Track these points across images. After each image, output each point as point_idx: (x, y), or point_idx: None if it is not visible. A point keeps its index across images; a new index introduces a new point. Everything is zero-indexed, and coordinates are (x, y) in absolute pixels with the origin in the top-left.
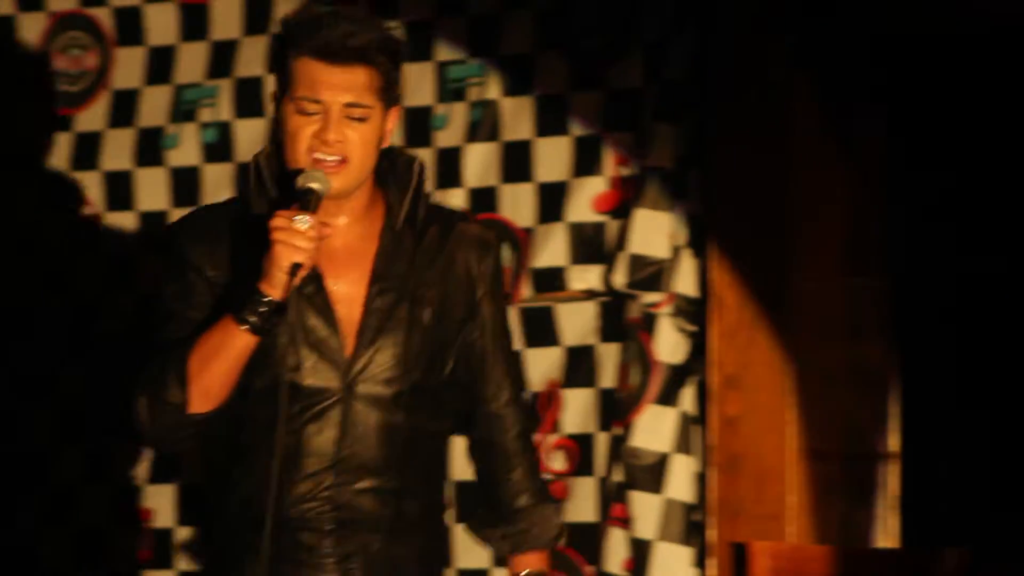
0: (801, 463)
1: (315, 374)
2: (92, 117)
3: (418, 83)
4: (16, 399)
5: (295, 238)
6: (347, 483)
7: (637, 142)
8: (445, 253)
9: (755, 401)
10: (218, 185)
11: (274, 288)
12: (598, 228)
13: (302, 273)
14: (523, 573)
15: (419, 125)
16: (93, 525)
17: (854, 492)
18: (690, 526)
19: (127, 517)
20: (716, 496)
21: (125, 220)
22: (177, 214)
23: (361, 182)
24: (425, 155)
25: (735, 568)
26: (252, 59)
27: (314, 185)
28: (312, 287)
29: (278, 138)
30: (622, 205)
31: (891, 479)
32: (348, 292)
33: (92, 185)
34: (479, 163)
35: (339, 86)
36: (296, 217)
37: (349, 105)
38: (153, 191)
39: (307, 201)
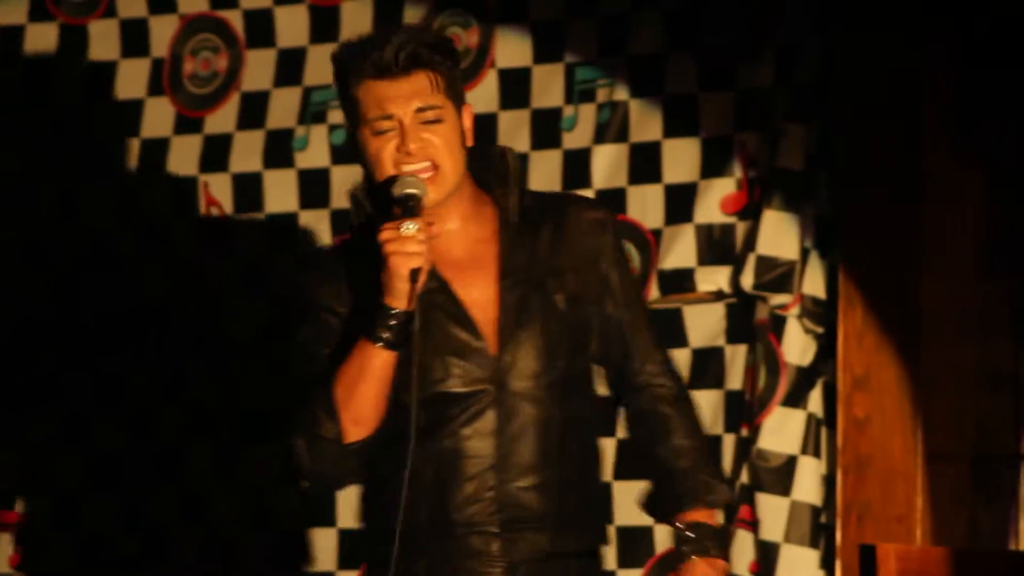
0: (929, 465)
1: (464, 379)
2: (222, 119)
3: (547, 84)
4: (148, 398)
5: (406, 245)
6: (509, 481)
7: (766, 143)
8: (565, 237)
9: (883, 403)
10: (347, 187)
11: (398, 300)
12: (726, 229)
13: (422, 277)
14: (687, 524)
15: (548, 127)
16: (221, 524)
17: (982, 494)
18: (817, 528)
19: (254, 518)
20: (843, 498)
21: (254, 222)
22: (305, 216)
23: (457, 184)
24: (553, 157)
25: (862, 570)
26: None
27: (411, 190)
28: (443, 296)
29: (366, 170)
30: (750, 206)
31: (1021, 481)
32: (480, 295)
33: (221, 187)
34: (607, 164)
35: (404, 96)
36: (402, 225)
37: (420, 110)
38: (282, 193)
39: (409, 207)
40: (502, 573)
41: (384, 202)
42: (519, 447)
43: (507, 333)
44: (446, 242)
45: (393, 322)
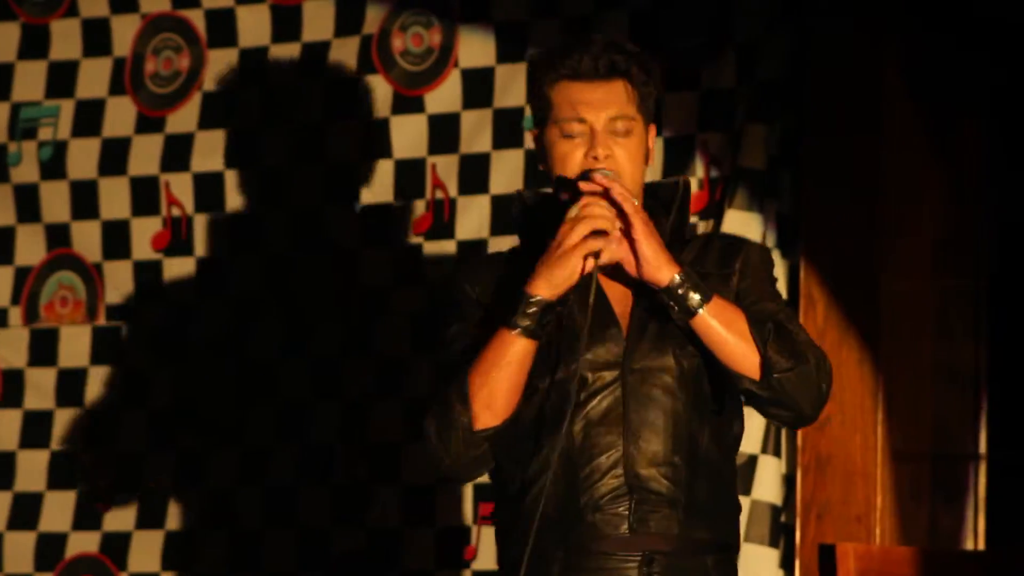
0: (889, 464)
1: (596, 364)
2: (184, 119)
3: (510, 84)
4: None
5: (594, 208)
6: (638, 465)
7: (729, 143)
8: (705, 254)
9: (843, 402)
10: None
11: (545, 287)
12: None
13: (599, 262)
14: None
15: (510, 126)
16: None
17: (942, 493)
18: (777, 528)
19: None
20: (803, 497)
21: (214, 220)
22: (267, 216)
23: (635, 198)
24: (516, 156)
25: (822, 570)
26: (343, 60)
27: (601, 168)
28: (589, 282)
29: (545, 169)
30: (712, 205)
31: (979, 480)
32: (619, 292)
33: (182, 187)
34: None
35: (600, 102)
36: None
37: (613, 119)
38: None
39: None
40: (638, 566)
41: (560, 202)
42: (648, 432)
43: (640, 325)
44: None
45: (532, 309)
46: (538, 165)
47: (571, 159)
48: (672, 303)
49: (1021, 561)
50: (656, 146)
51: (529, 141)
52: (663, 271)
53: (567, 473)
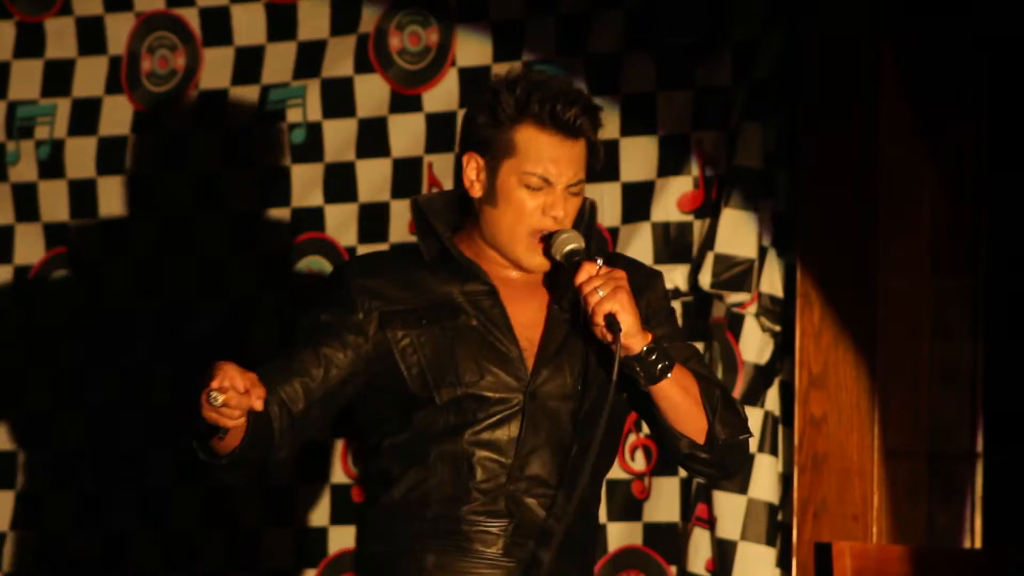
0: (886, 463)
1: (496, 385)
2: (180, 117)
3: None
4: (111, 399)
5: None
6: (521, 491)
7: (724, 141)
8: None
9: (840, 401)
10: (307, 186)
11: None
12: (683, 228)
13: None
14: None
15: None
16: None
17: (939, 492)
18: (774, 526)
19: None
20: (800, 496)
21: (213, 221)
22: (264, 215)
23: None
24: None
25: (818, 568)
26: (339, 59)
27: (573, 246)
28: (490, 302)
29: (477, 195)
30: (708, 204)
31: (976, 479)
32: (528, 319)
33: (180, 185)
34: None
35: (569, 163)
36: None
37: (572, 183)
38: (241, 192)
39: (574, 263)
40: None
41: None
42: (536, 460)
43: (546, 356)
44: (509, 272)
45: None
46: (464, 187)
47: (527, 208)
48: (640, 370)
49: (1017, 560)
50: (651, 144)
51: None
52: (636, 339)
53: (453, 482)
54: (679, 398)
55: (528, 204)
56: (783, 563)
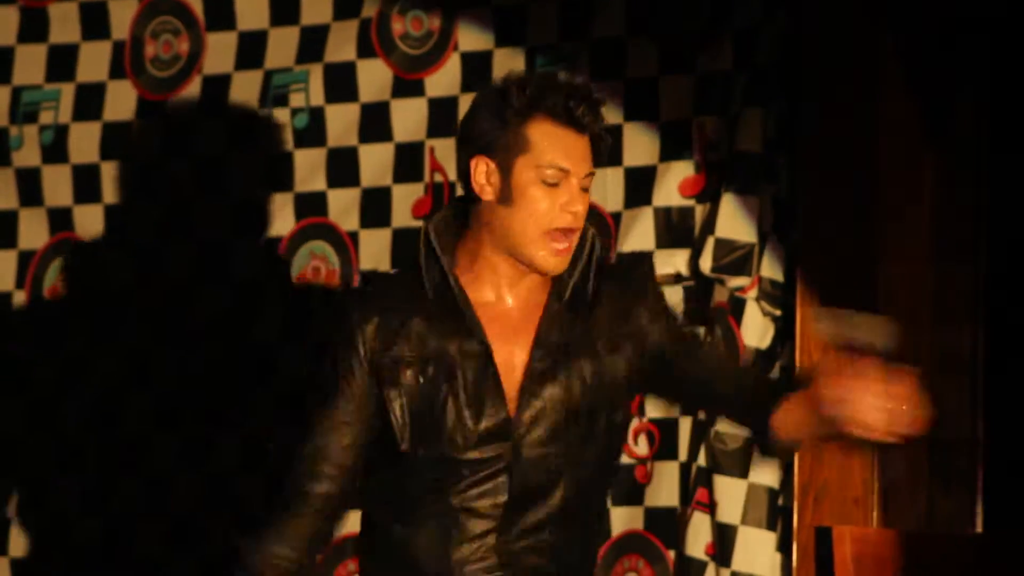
0: (887, 448)
1: (481, 443)
2: (184, 102)
3: (509, 68)
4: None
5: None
6: (511, 542)
7: (726, 126)
8: (615, 309)
9: None
10: (311, 171)
11: None
12: (685, 212)
13: None
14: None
15: None
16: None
17: (939, 477)
18: (774, 510)
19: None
20: (800, 480)
21: (216, 205)
22: (267, 200)
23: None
24: None
25: (819, 553)
26: (342, 44)
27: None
28: (483, 360)
29: (486, 196)
30: (709, 189)
31: (977, 465)
32: (511, 358)
33: (183, 170)
34: None
35: (583, 155)
36: None
37: (587, 176)
38: (244, 177)
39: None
40: None
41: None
42: (525, 512)
43: (526, 400)
44: (503, 306)
45: None
46: (469, 188)
47: (544, 205)
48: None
49: (1018, 545)
50: (652, 131)
51: None
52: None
53: (442, 544)
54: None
55: (543, 203)
56: (783, 547)
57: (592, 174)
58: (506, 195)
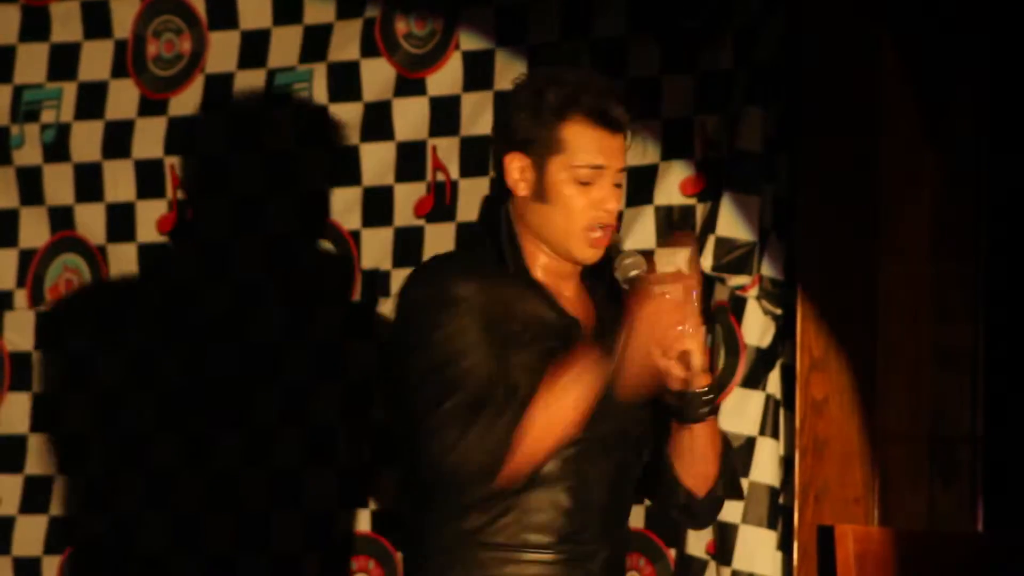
0: (887, 446)
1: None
2: (187, 101)
3: (510, 67)
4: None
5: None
6: (572, 522)
7: (726, 125)
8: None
9: (841, 384)
10: (313, 167)
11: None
12: (686, 211)
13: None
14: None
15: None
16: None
17: (940, 475)
18: (775, 509)
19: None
20: (801, 479)
21: (218, 205)
22: (270, 198)
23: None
24: None
25: (820, 551)
26: (346, 43)
27: (635, 272)
28: (577, 329)
29: (521, 195)
30: (710, 188)
31: (977, 462)
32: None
33: (186, 169)
34: None
35: (617, 152)
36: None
37: (620, 172)
38: (248, 176)
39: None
40: None
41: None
42: (591, 489)
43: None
44: (584, 297)
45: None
46: (503, 182)
47: (578, 203)
48: (684, 406)
49: (1019, 543)
50: (654, 128)
51: None
52: (700, 379)
53: (513, 510)
54: (701, 444)
55: (579, 201)
56: (784, 546)
57: (624, 170)
58: (540, 193)
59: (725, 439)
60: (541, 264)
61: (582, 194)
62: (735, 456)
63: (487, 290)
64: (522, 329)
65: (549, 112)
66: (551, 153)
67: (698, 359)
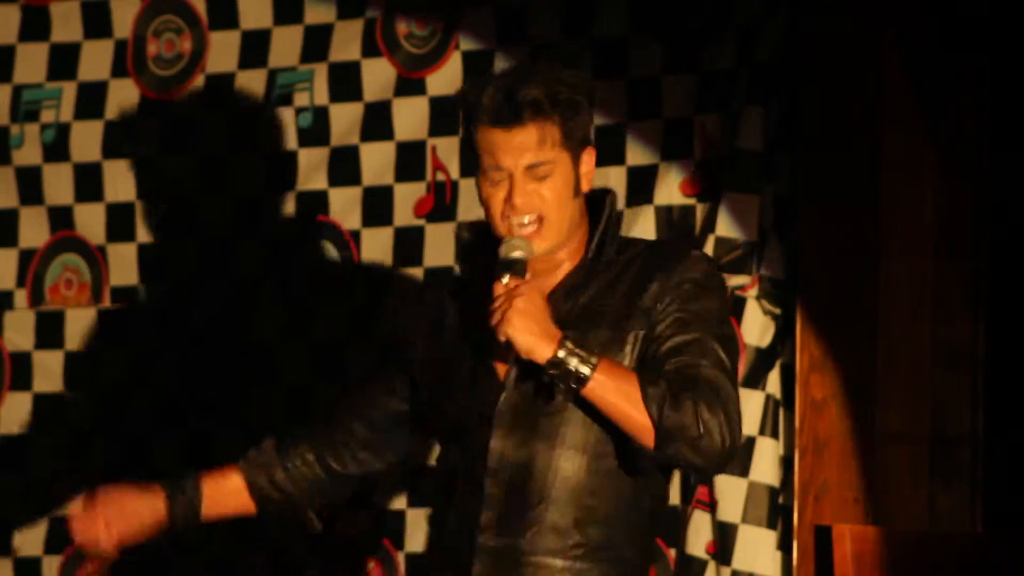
0: (887, 446)
1: (477, 405)
2: (187, 101)
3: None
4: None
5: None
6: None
7: (726, 124)
8: (627, 274)
9: (841, 384)
10: (314, 170)
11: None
12: (686, 211)
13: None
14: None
15: None
16: None
17: (940, 475)
18: (775, 509)
19: None
20: (801, 479)
21: (219, 204)
22: (271, 198)
23: (565, 233)
24: None
25: (819, 551)
26: (346, 43)
27: (516, 254)
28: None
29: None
30: (710, 188)
31: (977, 462)
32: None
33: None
34: None
35: (516, 149)
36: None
37: (530, 166)
38: (247, 175)
39: (516, 270)
40: None
41: (491, 256)
42: (507, 475)
43: (520, 369)
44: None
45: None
46: None
47: (493, 203)
48: (555, 379)
49: (1019, 543)
50: (655, 128)
51: None
52: (538, 349)
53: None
54: (614, 403)
55: (493, 198)
56: (784, 546)
57: (539, 163)
58: (480, 199)
59: (642, 382)
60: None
61: (494, 192)
62: (667, 393)
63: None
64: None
65: (466, 128)
66: (477, 157)
67: (519, 340)
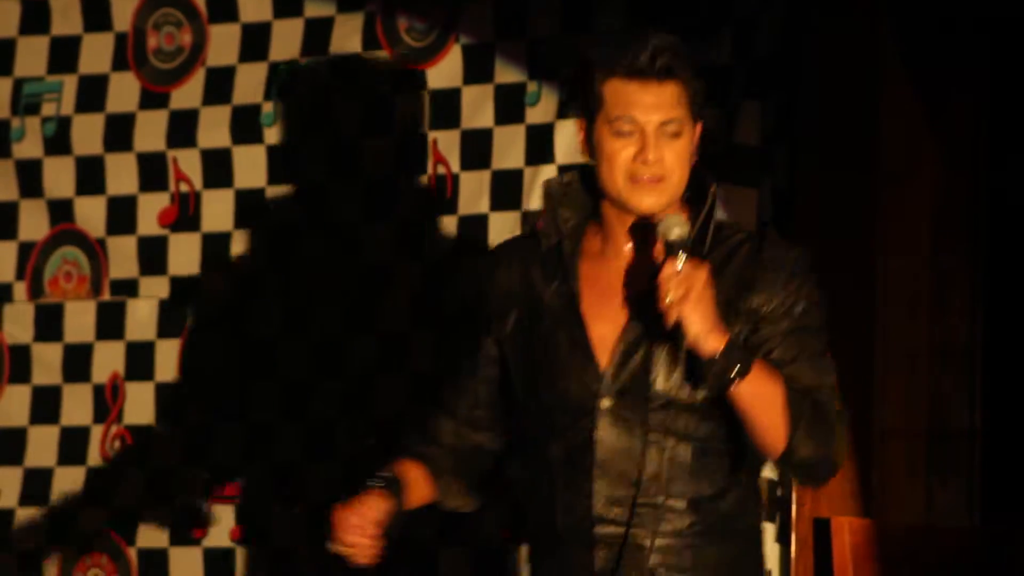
0: (885, 441)
1: (575, 394)
2: (188, 94)
3: (511, 60)
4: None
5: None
6: (602, 493)
7: (724, 119)
8: (729, 268)
9: (839, 379)
10: (318, 162)
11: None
12: None
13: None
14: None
15: (512, 102)
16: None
17: (937, 470)
18: (773, 502)
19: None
20: None
21: (222, 198)
22: (273, 192)
23: (675, 199)
24: (517, 132)
25: (816, 543)
26: (347, 37)
27: (678, 231)
28: (570, 313)
29: (592, 161)
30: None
31: (975, 458)
32: (612, 315)
33: (190, 162)
34: (570, 139)
35: (654, 105)
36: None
37: (664, 123)
38: (250, 169)
39: (676, 251)
40: None
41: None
42: (617, 464)
43: (621, 357)
44: (617, 263)
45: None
46: (583, 156)
47: (619, 158)
48: (708, 375)
49: (1016, 537)
50: None
51: (532, 117)
52: (703, 346)
53: (549, 497)
54: (754, 408)
55: (620, 153)
56: (782, 538)
57: (672, 121)
58: (594, 152)
59: (795, 392)
60: (611, 231)
61: (622, 147)
62: (819, 402)
63: (506, 273)
64: (524, 311)
65: (589, 79)
66: (595, 111)
67: (691, 327)
